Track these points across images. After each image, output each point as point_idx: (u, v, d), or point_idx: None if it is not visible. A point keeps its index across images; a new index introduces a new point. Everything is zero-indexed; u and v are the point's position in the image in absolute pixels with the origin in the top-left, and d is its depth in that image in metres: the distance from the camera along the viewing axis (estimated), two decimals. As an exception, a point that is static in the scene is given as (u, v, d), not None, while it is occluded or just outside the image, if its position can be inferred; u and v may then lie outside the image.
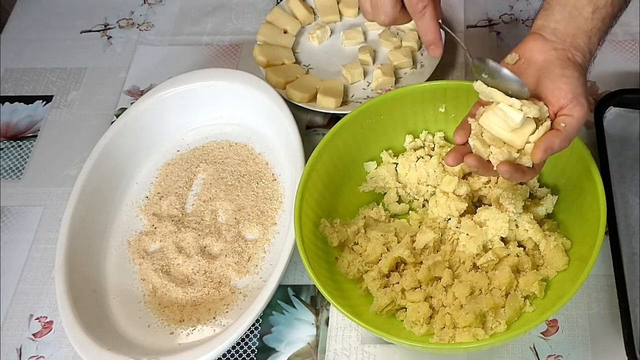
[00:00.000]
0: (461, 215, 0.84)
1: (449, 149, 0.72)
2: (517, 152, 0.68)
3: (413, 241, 0.83)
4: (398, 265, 0.83)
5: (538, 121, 0.68)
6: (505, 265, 0.79)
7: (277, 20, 1.11)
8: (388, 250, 0.82)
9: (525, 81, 0.69)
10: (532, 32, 0.72)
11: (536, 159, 0.66)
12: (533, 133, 0.67)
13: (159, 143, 1.00)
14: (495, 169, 0.67)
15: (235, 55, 1.12)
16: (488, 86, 0.69)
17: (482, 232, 0.80)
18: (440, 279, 0.80)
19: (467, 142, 0.69)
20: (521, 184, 0.84)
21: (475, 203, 0.86)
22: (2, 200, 0.98)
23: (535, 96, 0.69)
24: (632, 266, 0.82)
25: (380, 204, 0.89)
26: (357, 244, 0.84)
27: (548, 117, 0.68)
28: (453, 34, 0.77)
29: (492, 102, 0.70)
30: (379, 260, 0.82)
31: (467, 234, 0.80)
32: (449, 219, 0.83)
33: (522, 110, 0.66)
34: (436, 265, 0.80)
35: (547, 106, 0.68)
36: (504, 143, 0.69)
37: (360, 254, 0.83)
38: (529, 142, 0.68)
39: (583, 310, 0.83)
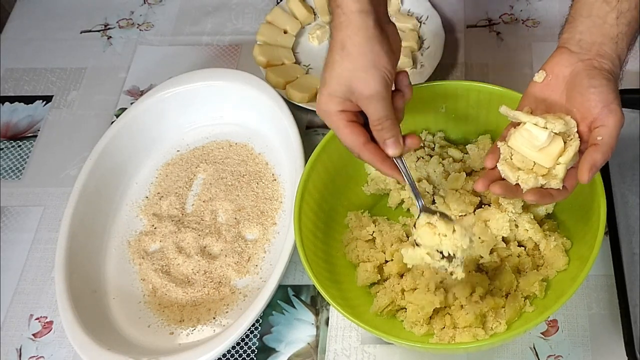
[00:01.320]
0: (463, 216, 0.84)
1: (479, 176, 0.71)
2: (547, 173, 0.68)
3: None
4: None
5: (567, 137, 0.67)
6: (505, 266, 0.79)
7: (277, 20, 1.11)
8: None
9: (556, 98, 0.69)
10: (558, 47, 0.72)
11: (584, 179, 0.65)
12: (562, 152, 0.67)
13: (159, 143, 1.00)
14: (524, 196, 0.67)
15: (235, 55, 1.12)
16: None
17: (492, 236, 0.80)
18: (442, 281, 0.80)
19: (496, 166, 0.69)
20: None
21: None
22: (2, 200, 0.98)
23: (567, 112, 0.69)
24: (632, 266, 0.82)
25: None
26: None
27: (577, 132, 0.68)
28: None
29: (521, 123, 0.69)
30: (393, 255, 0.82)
31: (479, 237, 0.80)
32: (460, 215, 0.83)
33: (546, 127, 0.66)
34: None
35: (578, 121, 0.68)
36: (534, 164, 0.68)
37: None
38: (559, 163, 0.67)
39: (583, 310, 0.83)
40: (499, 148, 0.70)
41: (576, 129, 0.68)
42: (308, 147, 0.88)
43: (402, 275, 0.81)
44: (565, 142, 0.68)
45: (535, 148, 0.67)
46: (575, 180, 0.68)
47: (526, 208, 0.83)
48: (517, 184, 0.68)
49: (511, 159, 0.69)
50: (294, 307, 0.86)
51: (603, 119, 0.66)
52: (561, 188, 0.68)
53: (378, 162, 0.70)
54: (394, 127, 0.69)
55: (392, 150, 0.70)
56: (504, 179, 0.69)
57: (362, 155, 0.71)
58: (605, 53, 0.69)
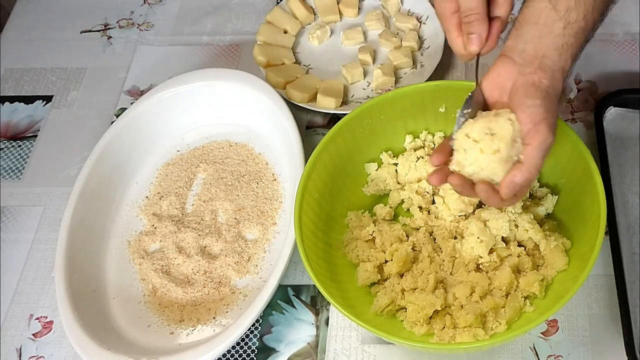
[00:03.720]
0: (466, 217, 0.84)
1: (432, 171, 0.72)
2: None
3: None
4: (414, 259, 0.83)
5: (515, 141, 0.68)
6: (505, 266, 0.79)
7: (277, 20, 1.11)
8: (402, 242, 0.83)
9: (500, 108, 0.69)
10: (501, 54, 0.71)
11: (505, 196, 0.67)
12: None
13: (159, 143, 1.00)
14: (475, 189, 0.68)
15: (235, 55, 1.12)
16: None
17: (491, 236, 0.80)
18: (442, 281, 0.80)
19: (446, 164, 0.70)
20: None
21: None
22: (2, 200, 0.98)
23: None
24: (632, 266, 0.82)
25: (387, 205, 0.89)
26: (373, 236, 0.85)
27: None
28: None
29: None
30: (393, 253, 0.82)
31: (477, 237, 0.80)
32: (459, 215, 0.84)
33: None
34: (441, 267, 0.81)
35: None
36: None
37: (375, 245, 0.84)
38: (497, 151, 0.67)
39: (583, 310, 0.83)
40: (447, 147, 0.70)
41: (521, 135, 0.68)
42: (308, 147, 0.88)
43: (402, 275, 0.81)
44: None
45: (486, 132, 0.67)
46: (520, 196, 0.69)
47: (526, 208, 0.83)
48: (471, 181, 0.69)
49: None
50: (294, 307, 0.86)
51: (529, 138, 0.66)
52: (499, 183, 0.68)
53: (454, 36, 0.72)
54: (480, 24, 0.69)
55: (472, 46, 0.71)
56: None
57: (444, 22, 0.72)
58: (547, 67, 0.68)
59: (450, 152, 0.70)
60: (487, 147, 0.67)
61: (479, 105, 0.71)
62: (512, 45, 0.70)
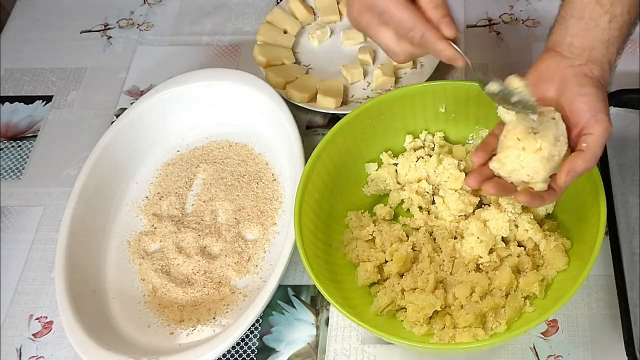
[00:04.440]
0: (466, 217, 0.84)
1: (470, 171, 0.72)
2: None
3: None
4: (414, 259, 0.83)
5: (557, 140, 0.67)
6: (505, 266, 0.79)
7: (277, 20, 1.11)
8: (402, 242, 0.83)
9: (545, 102, 0.69)
10: (547, 49, 0.71)
11: (561, 183, 0.66)
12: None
13: (159, 143, 1.00)
14: (515, 198, 0.68)
15: (235, 55, 1.12)
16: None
17: (491, 236, 0.80)
18: (442, 281, 0.80)
19: (487, 164, 0.69)
20: None
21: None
22: (2, 200, 0.98)
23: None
24: (632, 266, 0.82)
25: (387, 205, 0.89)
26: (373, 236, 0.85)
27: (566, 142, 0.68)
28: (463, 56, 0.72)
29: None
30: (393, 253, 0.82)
31: (477, 237, 0.80)
32: (459, 215, 0.84)
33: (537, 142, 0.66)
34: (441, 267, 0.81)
35: (569, 126, 0.68)
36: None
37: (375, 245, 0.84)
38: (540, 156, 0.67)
39: (583, 310, 0.83)
40: (489, 143, 0.70)
41: (566, 134, 0.68)
42: (308, 147, 0.88)
43: (402, 275, 0.81)
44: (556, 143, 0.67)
45: (527, 131, 0.67)
46: (568, 185, 0.68)
47: (526, 208, 0.83)
48: (512, 183, 0.68)
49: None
50: (294, 307, 0.86)
51: (590, 128, 0.66)
52: (546, 189, 0.68)
53: (437, 38, 0.68)
54: (447, 8, 0.69)
55: (448, 30, 0.69)
56: (496, 176, 0.69)
57: (424, 31, 0.68)
58: (596, 59, 0.69)
59: (492, 151, 0.70)
60: (529, 146, 0.66)
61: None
62: (557, 39, 0.71)
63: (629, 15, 0.70)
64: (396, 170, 0.90)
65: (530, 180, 0.68)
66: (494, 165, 0.69)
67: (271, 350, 0.83)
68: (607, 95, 0.94)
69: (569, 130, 0.69)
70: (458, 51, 0.70)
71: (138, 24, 1.18)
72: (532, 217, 0.82)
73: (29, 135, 1.06)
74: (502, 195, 0.68)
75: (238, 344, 0.84)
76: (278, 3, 1.14)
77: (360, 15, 0.72)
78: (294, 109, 0.96)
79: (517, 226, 0.82)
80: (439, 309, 0.76)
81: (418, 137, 0.91)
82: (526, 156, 0.67)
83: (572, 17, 0.70)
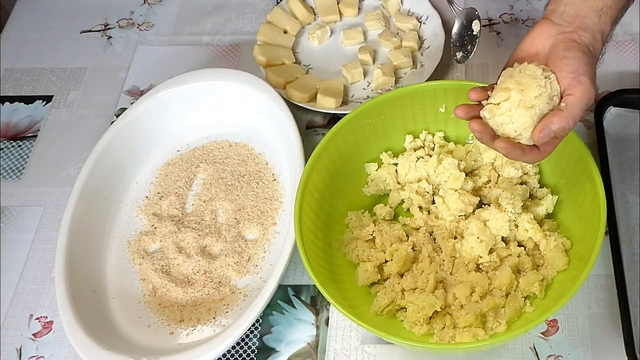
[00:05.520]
0: (466, 217, 0.84)
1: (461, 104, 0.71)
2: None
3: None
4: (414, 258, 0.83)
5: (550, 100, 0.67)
6: (505, 266, 0.79)
7: (277, 20, 1.11)
8: (402, 242, 0.83)
9: None
10: (542, 18, 0.72)
11: (535, 139, 0.66)
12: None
13: (159, 143, 1.00)
14: (494, 143, 0.67)
15: (235, 55, 1.12)
16: None
17: (491, 236, 0.80)
18: (442, 281, 0.80)
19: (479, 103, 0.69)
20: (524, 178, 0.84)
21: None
22: (2, 200, 0.98)
23: None
24: (632, 266, 0.82)
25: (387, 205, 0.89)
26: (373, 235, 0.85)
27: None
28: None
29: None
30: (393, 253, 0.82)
31: (477, 237, 0.80)
32: (459, 215, 0.84)
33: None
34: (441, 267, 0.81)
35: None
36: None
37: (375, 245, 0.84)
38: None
39: (583, 310, 0.83)
40: (487, 91, 0.70)
41: (559, 95, 0.67)
42: (308, 147, 0.88)
43: (402, 275, 0.81)
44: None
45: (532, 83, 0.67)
46: (551, 146, 0.68)
47: (526, 208, 0.83)
48: (494, 133, 0.68)
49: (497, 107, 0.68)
50: (294, 307, 0.86)
51: (571, 88, 0.66)
52: (530, 144, 0.67)
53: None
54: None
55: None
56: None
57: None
58: (587, 27, 0.69)
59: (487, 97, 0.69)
60: (522, 102, 0.66)
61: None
62: (552, 8, 0.72)
63: None
64: (396, 170, 0.90)
65: (517, 136, 0.67)
66: (484, 114, 0.68)
67: (271, 350, 0.83)
68: (607, 95, 0.94)
69: None
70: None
71: (138, 24, 1.18)
72: (532, 217, 0.82)
73: (29, 135, 1.06)
74: (484, 139, 0.68)
75: (238, 344, 0.84)
76: (278, 3, 1.14)
77: None
78: (294, 109, 0.96)
79: (517, 226, 0.82)
80: (439, 309, 0.76)
81: (418, 137, 0.92)
82: (516, 111, 0.66)
83: None
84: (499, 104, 0.67)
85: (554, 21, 0.71)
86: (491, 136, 0.68)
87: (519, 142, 0.67)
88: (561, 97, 0.67)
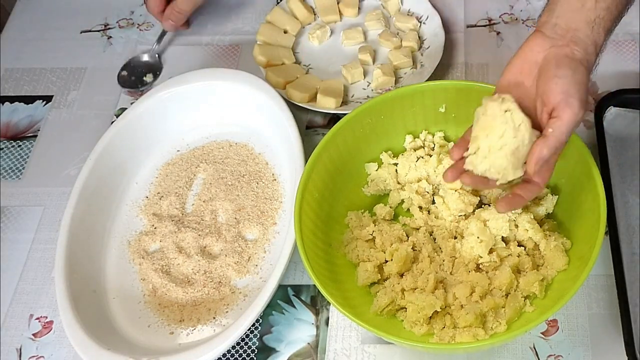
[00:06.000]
0: (466, 217, 0.84)
1: (448, 167, 0.74)
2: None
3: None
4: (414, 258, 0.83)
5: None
6: (505, 266, 0.79)
7: (277, 20, 1.11)
8: (402, 242, 0.84)
9: (530, 84, 0.70)
10: (535, 31, 0.72)
11: (530, 171, 0.67)
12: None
13: (159, 143, 1.00)
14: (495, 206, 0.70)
15: (235, 55, 1.12)
16: None
17: (491, 236, 0.80)
18: (442, 281, 0.80)
19: (462, 157, 0.71)
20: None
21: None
22: (2, 200, 0.98)
23: (535, 98, 0.70)
24: (632, 266, 0.82)
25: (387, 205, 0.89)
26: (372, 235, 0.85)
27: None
28: None
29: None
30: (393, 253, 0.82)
31: (477, 237, 0.80)
32: (459, 215, 0.84)
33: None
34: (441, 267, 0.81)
35: (541, 108, 0.69)
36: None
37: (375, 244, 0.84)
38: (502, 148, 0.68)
39: (583, 310, 0.83)
40: (467, 139, 0.71)
41: (527, 121, 0.68)
42: (308, 147, 0.88)
43: (402, 275, 0.81)
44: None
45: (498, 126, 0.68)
46: (548, 172, 0.70)
47: (526, 208, 0.83)
48: (485, 177, 0.70)
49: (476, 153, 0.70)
50: (294, 307, 0.86)
51: (559, 111, 0.66)
52: (521, 176, 0.69)
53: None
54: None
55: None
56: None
57: None
58: (580, 40, 0.69)
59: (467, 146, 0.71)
60: (491, 147, 0.68)
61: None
62: (544, 20, 0.71)
63: None
64: (396, 170, 0.90)
65: (501, 177, 0.69)
66: (468, 167, 0.71)
67: (271, 350, 0.83)
68: (607, 95, 0.94)
69: (541, 107, 0.69)
70: None
71: (138, 24, 1.18)
72: (532, 217, 0.82)
73: (29, 135, 1.06)
74: (480, 187, 0.70)
75: (238, 343, 0.84)
76: (278, 3, 1.14)
77: None
78: (294, 109, 0.96)
79: (517, 226, 0.82)
80: (439, 309, 0.76)
81: (418, 137, 0.92)
82: (490, 156, 0.68)
83: None
84: (475, 153, 0.69)
85: (546, 34, 0.70)
86: (484, 184, 0.71)
87: (516, 194, 0.71)
88: (549, 115, 0.67)
